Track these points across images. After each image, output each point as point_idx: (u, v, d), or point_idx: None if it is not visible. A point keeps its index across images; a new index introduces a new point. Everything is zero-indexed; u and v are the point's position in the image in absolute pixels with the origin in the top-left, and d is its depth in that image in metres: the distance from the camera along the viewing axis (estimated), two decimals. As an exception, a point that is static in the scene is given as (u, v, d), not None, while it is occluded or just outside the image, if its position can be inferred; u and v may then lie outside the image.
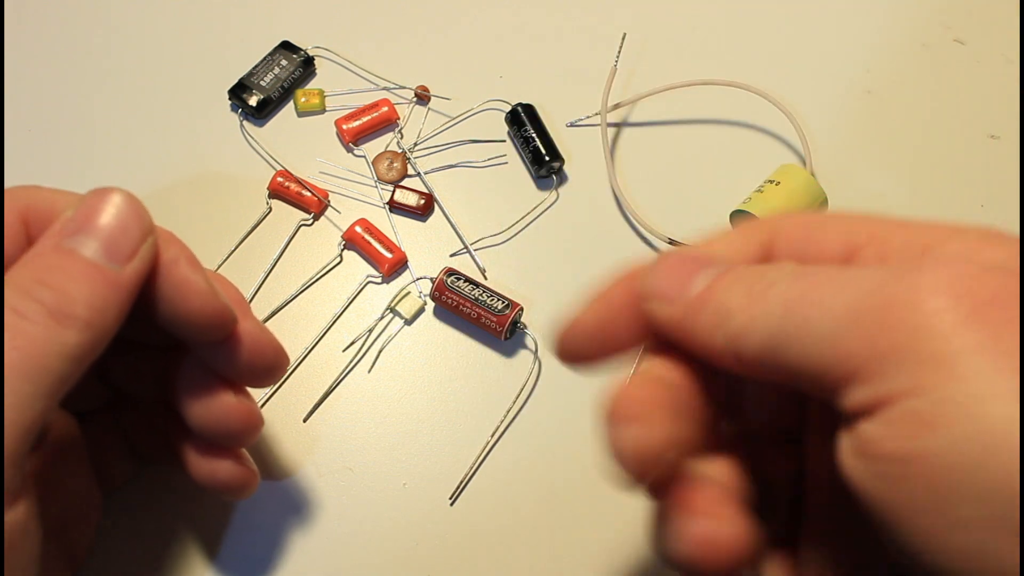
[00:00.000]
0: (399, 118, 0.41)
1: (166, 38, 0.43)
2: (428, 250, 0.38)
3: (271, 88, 0.40)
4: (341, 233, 0.38)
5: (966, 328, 0.15)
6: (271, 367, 0.27)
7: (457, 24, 0.44)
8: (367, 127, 0.40)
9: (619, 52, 0.41)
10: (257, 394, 0.34)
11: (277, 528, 0.32)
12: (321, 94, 0.41)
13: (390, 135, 0.40)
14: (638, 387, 0.19)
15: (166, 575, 0.31)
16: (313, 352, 0.36)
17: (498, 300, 0.35)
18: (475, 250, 0.38)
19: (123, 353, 0.25)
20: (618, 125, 0.41)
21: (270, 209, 0.39)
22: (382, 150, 0.40)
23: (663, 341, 0.20)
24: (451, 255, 0.38)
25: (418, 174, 0.39)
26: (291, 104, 0.41)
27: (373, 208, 0.39)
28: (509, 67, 0.42)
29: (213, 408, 0.26)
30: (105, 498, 0.30)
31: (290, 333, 0.36)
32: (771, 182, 0.37)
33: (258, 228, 0.38)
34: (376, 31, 0.43)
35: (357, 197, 0.39)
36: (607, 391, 0.20)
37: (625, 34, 0.42)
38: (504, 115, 0.40)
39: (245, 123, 0.40)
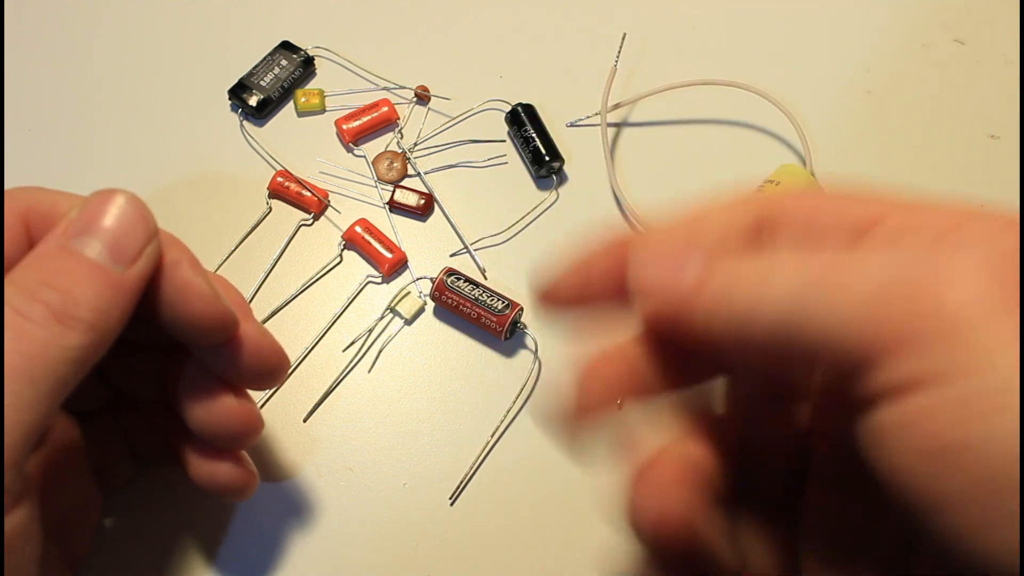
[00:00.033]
0: (399, 118, 0.41)
1: (166, 38, 0.43)
2: (428, 250, 0.38)
3: (271, 88, 0.40)
4: (341, 233, 0.38)
5: (1004, 314, 0.15)
6: (272, 370, 0.27)
7: (457, 24, 0.44)
8: (367, 127, 0.40)
9: (619, 52, 0.41)
10: (257, 395, 0.34)
11: (277, 528, 0.32)
12: (321, 94, 0.41)
13: (390, 135, 0.40)
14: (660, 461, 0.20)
15: (166, 575, 0.31)
16: (313, 352, 0.36)
17: (498, 300, 0.35)
18: (475, 250, 0.38)
19: (124, 354, 0.25)
20: (618, 125, 0.41)
21: (270, 209, 0.39)
22: (382, 150, 0.40)
23: (655, 329, 0.20)
24: (451, 255, 0.38)
25: (418, 174, 0.39)
26: (291, 104, 0.41)
27: (373, 208, 0.39)
28: (509, 67, 0.42)
29: (213, 410, 0.26)
30: (105, 499, 0.30)
31: (290, 333, 0.36)
32: (771, 182, 0.37)
33: (258, 228, 0.38)
34: (376, 31, 0.43)
35: (357, 197, 0.39)
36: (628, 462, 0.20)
37: (625, 34, 0.42)
38: (504, 115, 0.40)
39: (245, 123, 0.41)
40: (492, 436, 0.34)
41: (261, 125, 0.41)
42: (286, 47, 0.42)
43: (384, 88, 0.41)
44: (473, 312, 0.35)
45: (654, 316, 0.19)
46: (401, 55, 0.43)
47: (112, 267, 0.22)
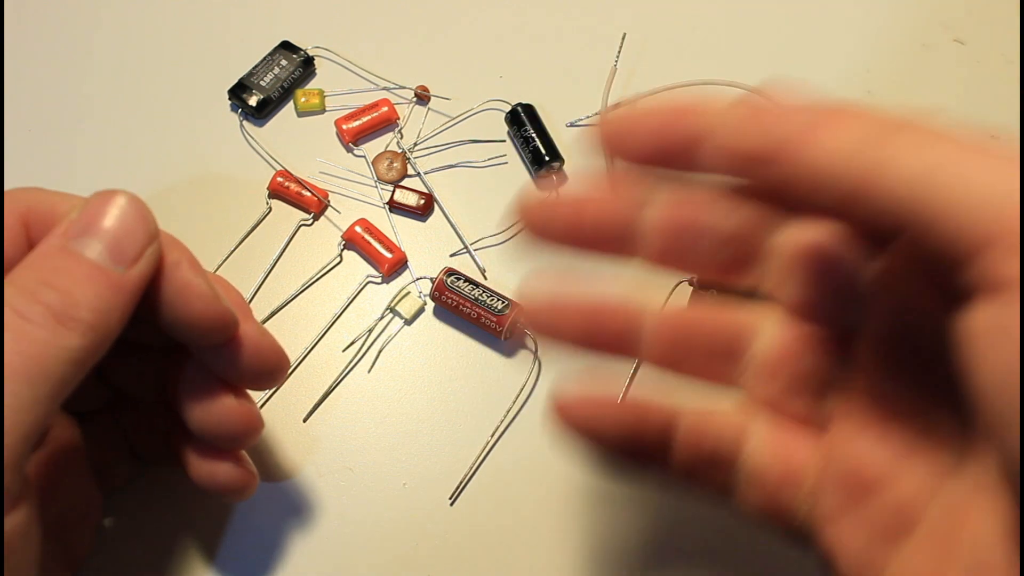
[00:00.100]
0: (399, 118, 0.41)
1: (166, 38, 0.43)
2: (428, 250, 0.38)
3: (271, 88, 0.40)
4: (341, 233, 0.38)
5: None
6: (272, 371, 0.27)
7: (457, 24, 0.44)
8: (367, 127, 0.40)
9: (619, 52, 0.41)
10: (257, 395, 0.34)
11: (277, 528, 0.32)
12: (321, 94, 0.41)
13: (390, 135, 0.40)
14: None
15: (166, 575, 0.31)
16: (313, 352, 0.36)
17: (498, 300, 0.35)
18: (475, 250, 0.38)
19: (124, 354, 0.25)
20: (618, 125, 0.41)
21: (270, 209, 0.39)
22: (382, 150, 0.40)
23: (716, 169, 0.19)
24: (451, 255, 0.38)
25: (418, 174, 0.39)
26: (291, 104, 0.41)
27: (373, 208, 0.39)
28: (509, 67, 0.42)
29: (213, 410, 0.26)
30: (105, 499, 0.30)
31: (290, 333, 0.36)
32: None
33: (258, 228, 0.38)
34: (376, 31, 0.43)
35: (357, 197, 0.39)
36: None
37: (625, 34, 0.42)
38: (504, 115, 0.40)
39: (245, 123, 0.41)
40: (492, 436, 0.34)
41: (261, 125, 0.41)
42: (286, 47, 0.42)
43: (384, 88, 0.41)
44: (473, 312, 0.35)
45: (751, 148, 0.18)
46: (401, 55, 0.43)
47: (112, 268, 0.22)
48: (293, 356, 0.35)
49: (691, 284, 0.36)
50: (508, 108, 0.40)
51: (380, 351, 0.36)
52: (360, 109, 0.40)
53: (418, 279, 0.37)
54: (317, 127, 0.41)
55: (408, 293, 0.37)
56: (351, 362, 0.35)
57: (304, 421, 0.34)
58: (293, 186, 0.38)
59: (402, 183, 0.39)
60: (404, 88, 0.41)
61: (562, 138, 0.40)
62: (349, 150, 0.40)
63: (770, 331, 0.22)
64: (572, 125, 0.41)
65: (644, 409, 0.23)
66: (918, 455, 0.19)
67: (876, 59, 0.43)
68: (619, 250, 0.22)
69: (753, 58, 0.43)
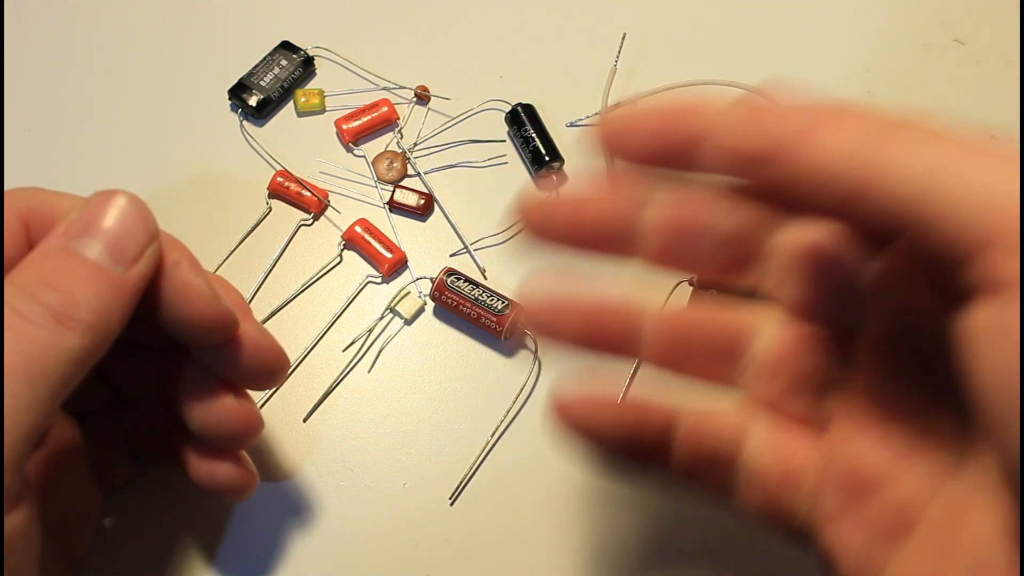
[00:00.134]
0: (399, 118, 0.41)
1: (166, 38, 0.43)
2: (428, 250, 0.38)
3: (271, 88, 0.40)
4: (341, 233, 0.38)
5: None
6: (272, 370, 0.27)
7: (457, 24, 0.44)
8: (367, 127, 0.40)
9: (619, 52, 0.41)
10: (257, 395, 0.34)
11: (277, 528, 0.32)
12: (321, 94, 0.41)
13: (390, 135, 0.40)
14: None
15: (166, 575, 0.31)
16: (313, 352, 0.36)
17: (498, 300, 0.35)
18: (475, 250, 0.38)
19: (124, 354, 0.25)
20: (618, 125, 0.41)
21: (270, 209, 0.39)
22: (382, 150, 0.40)
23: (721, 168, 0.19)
24: (451, 255, 0.38)
25: (418, 174, 0.39)
26: (291, 104, 0.41)
27: (373, 208, 0.39)
28: (509, 67, 0.42)
29: (213, 410, 0.26)
30: (105, 499, 0.30)
31: (290, 333, 0.36)
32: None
33: (258, 228, 0.38)
34: (376, 31, 0.43)
35: (357, 197, 0.39)
36: None
37: (625, 34, 0.42)
38: (504, 115, 0.40)
39: (245, 123, 0.41)
40: (492, 436, 0.34)
41: (261, 125, 0.41)
42: (286, 47, 0.42)
43: (384, 88, 0.41)
44: (473, 312, 0.35)
45: (747, 148, 0.18)
46: (401, 55, 0.43)
47: (112, 268, 0.22)
48: (293, 356, 0.35)
49: (691, 284, 0.36)
50: (508, 108, 0.40)
51: (380, 351, 0.36)
52: (360, 109, 0.40)
53: (418, 279, 0.37)
54: (317, 127, 0.41)
55: (408, 293, 0.37)
56: (351, 362, 0.35)
57: (304, 421, 0.34)
58: (293, 186, 0.38)
59: (402, 183, 0.39)
60: (404, 88, 0.41)
61: (562, 138, 0.40)
62: (349, 150, 0.40)
63: (770, 331, 0.22)
64: (572, 125, 0.41)
65: (644, 409, 0.23)
66: (918, 455, 0.19)
67: (876, 59, 0.43)
68: (619, 250, 0.22)
69: (753, 58, 0.43)
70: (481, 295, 0.35)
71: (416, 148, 0.40)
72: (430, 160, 0.40)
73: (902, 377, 0.20)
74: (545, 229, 0.22)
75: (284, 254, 0.38)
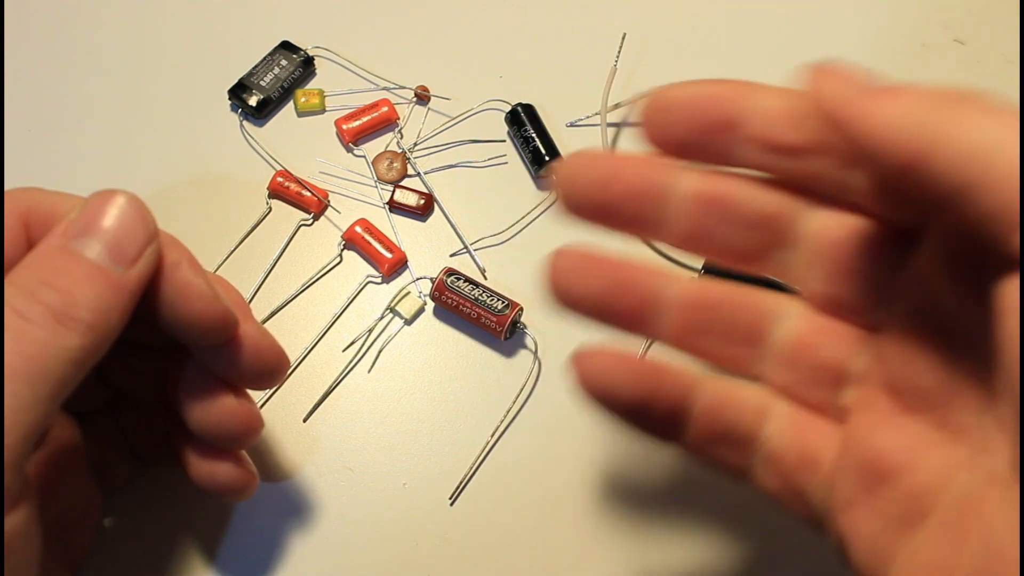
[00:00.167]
0: (399, 118, 0.41)
1: (166, 38, 0.43)
2: (428, 250, 0.38)
3: (271, 88, 0.40)
4: (341, 233, 0.38)
5: None
6: (272, 370, 0.27)
7: (457, 24, 0.44)
8: (367, 127, 0.40)
9: (619, 52, 0.41)
10: (257, 395, 0.34)
11: (277, 528, 0.32)
12: (321, 94, 0.41)
13: (390, 135, 0.40)
14: None
15: (166, 575, 0.31)
16: (313, 352, 0.36)
17: (498, 300, 0.35)
18: (475, 250, 0.38)
19: (124, 354, 0.25)
20: (618, 125, 0.41)
21: (270, 209, 0.39)
22: (382, 150, 0.40)
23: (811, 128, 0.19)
24: (451, 255, 0.38)
25: (418, 174, 0.39)
26: (291, 104, 0.41)
27: (373, 208, 0.39)
28: (509, 67, 0.42)
29: (213, 410, 0.26)
30: (105, 499, 0.30)
31: (290, 333, 0.36)
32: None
33: (258, 228, 0.38)
34: (376, 31, 0.43)
35: (357, 197, 0.39)
36: None
37: (625, 34, 0.42)
38: (504, 115, 0.40)
39: (245, 123, 0.41)
40: (492, 436, 0.34)
41: (261, 125, 0.41)
42: (286, 47, 0.42)
43: (384, 88, 0.41)
44: (473, 312, 0.35)
45: (837, 101, 0.19)
46: (401, 55, 0.43)
47: (112, 268, 0.22)
48: (293, 356, 0.35)
49: (700, 273, 0.35)
50: (508, 108, 0.40)
51: (380, 351, 0.36)
52: (360, 109, 0.40)
53: (418, 279, 0.37)
54: (317, 127, 0.41)
55: (408, 293, 0.37)
56: (351, 362, 0.35)
57: (304, 421, 0.34)
58: (293, 186, 0.38)
59: (402, 183, 0.39)
60: (404, 88, 0.41)
61: (562, 138, 0.40)
62: (349, 150, 0.40)
63: (791, 320, 0.22)
64: (572, 125, 0.41)
65: (662, 374, 0.23)
66: (934, 446, 0.20)
67: (876, 59, 0.43)
68: (645, 225, 0.22)
69: (753, 58, 0.43)
70: (481, 295, 0.35)
71: (416, 148, 0.40)
72: (430, 160, 0.40)
73: (922, 370, 0.20)
74: (577, 189, 0.22)
75: (284, 254, 0.38)
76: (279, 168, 0.39)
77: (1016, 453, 0.16)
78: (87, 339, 0.21)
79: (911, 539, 0.19)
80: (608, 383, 0.22)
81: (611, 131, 0.41)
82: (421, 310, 0.37)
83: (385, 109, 0.40)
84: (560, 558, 0.32)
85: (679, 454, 0.23)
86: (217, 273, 0.37)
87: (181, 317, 0.24)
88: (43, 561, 0.23)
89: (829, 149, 0.20)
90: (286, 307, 0.37)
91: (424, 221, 0.39)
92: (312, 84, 0.42)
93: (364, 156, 0.40)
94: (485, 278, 0.37)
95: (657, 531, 0.32)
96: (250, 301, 0.37)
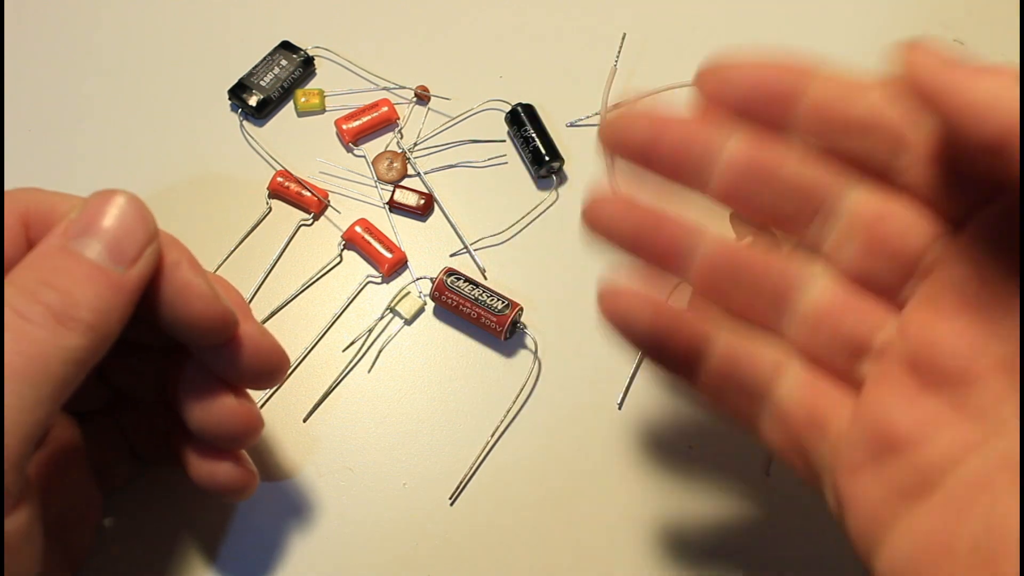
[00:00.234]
0: (399, 118, 0.41)
1: (166, 38, 0.43)
2: (428, 250, 0.38)
3: (271, 88, 0.40)
4: (341, 233, 0.38)
5: None
6: (272, 370, 0.27)
7: (457, 24, 0.44)
8: (367, 127, 0.40)
9: (619, 52, 0.41)
10: (257, 394, 0.34)
11: (277, 528, 0.32)
12: (321, 94, 0.41)
13: (390, 135, 0.40)
14: None
15: (166, 575, 0.31)
16: (313, 352, 0.36)
17: (498, 300, 0.35)
18: (475, 250, 0.38)
19: (124, 354, 0.25)
20: (618, 125, 0.41)
21: (270, 209, 0.39)
22: (382, 150, 0.40)
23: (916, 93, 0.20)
24: (451, 255, 0.38)
25: (418, 174, 0.39)
26: (291, 104, 0.41)
27: (373, 208, 0.39)
28: (509, 67, 0.42)
29: (213, 410, 0.26)
30: (105, 499, 0.30)
31: (290, 333, 0.36)
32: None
33: (258, 228, 0.38)
34: (376, 31, 0.43)
35: (357, 197, 0.39)
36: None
37: (625, 34, 0.42)
38: (504, 115, 0.40)
39: (245, 123, 0.41)
40: (492, 436, 0.34)
41: (261, 125, 0.41)
42: (286, 47, 0.42)
43: (384, 88, 0.41)
44: (473, 312, 0.35)
45: (932, 70, 0.19)
46: (401, 55, 0.43)
47: (112, 268, 0.22)
48: (293, 356, 0.35)
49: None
50: (508, 108, 0.40)
51: (380, 351, 0.36)
52: (360, 109, 0.40)
53: (418, 279, 0.37)
54: (317, 127, 0.41)
55: (408, 293, 0.37)
56: (351, 362, 0.35)
57: (304, 421, 0.34)
58: (293, 186, 0.38)
59: (402, 183, 0.39)
60: (404, 88, 0.41)
61: (562, 138, 0.40)
62: (349, 150, 0.40)
63: (819, 287, 0.23)
64: (572, 125, 0.41)
65: (680, 318, 0.24)
66: (948, 425, 0.20)
67: (876, 59, 0.43)
68: (689, 174, 0.23)
69: (753, 58, 0.43)
70: (481, 295, 0.35)
71: (416, 148, 0.40)
72: (430, 160, 0.40)
73: (949, 352, 0.20)
74: (625, 136, 0.23)
75: (284, 254, 0.38)
76: (279, 168, 0.39)
77: None
78: (87, 339, 0.21)
79: (913, 510, 0.20)
80: (630, 320, 0.24)
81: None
82: (421, 310, 0.37)
83: (385, 109, 0.40)
84: (560, 558, 0.32)
85: (693, 396, 0.24)
86: (217, 273, 0.37)
87: (181, 317, 0.24)
88: (44, 561, 0.23)
89: (883, 128, 0.21)
90: (286, 307, 0.37)
91: (424, 221, 0.39)
92: (312, 84, 0.42)
93: (364, 156, 0.40)
94: (485, 278, 0.37)
95: (657, 531, 0.32)
96: (250, 301, 0.37)
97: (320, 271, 0.37)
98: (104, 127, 0.40)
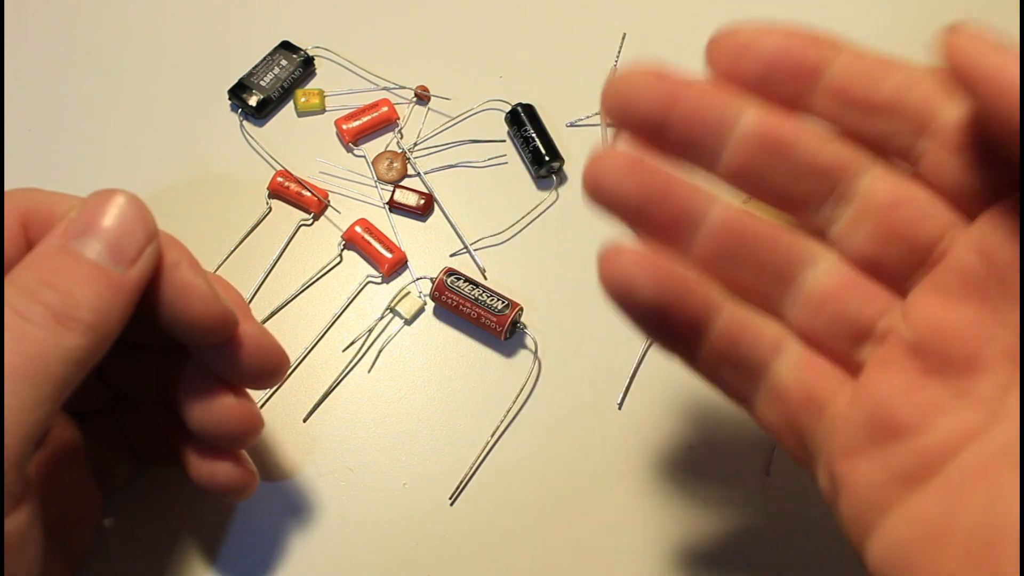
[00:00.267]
0: (399, 118, 0.41)
1: (166, 38, 0.43)
2: (428, 250, 0.38)
3: (271, 88, 0.40)
4: (341, 233, 0.38)
5: None
6: (272, 370, 0.27)
7: (457, 24, 0.44)
8: (367, 127, 0.40)
9: (619, 52, 0.41)
10: (257, 394, 0.34)
11: (277, 528, 0.32)
12: (321, 94, 0.41)
13: (390, 135, 0.40)
14: None
15: (166, 575, 0.31)
16: (313, 352, 0.36)
17: (498, 300, 0.35)
18: (475, 250, 0.38)
19: (124, 355, 0.25)
20: (618, 125, 0.41)
21: (270, 209, 0.39)
22: (382, 150, 0.40)
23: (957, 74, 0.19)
24: (451, 255, 0.38)
25: (418, 174, 0.39)
26: (291, 104, 0.41)
27: (373, 208, 0.39)
28: (509, 67, 0.42)
29: (213, 410, 0.26)
30: (105, 499, 0.30)
31: (290, 333, 0.36)
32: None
33: (258, 228, 0.38)
34: (376, 31, 0.43)
35: (357, 197, 0.39)
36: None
37: (625, 34, 0.42)
38: (504, 115, 0.40)
39: (245, 123, 0.41)
40: (492, 436, 0.34)
41: (261, 125, 0.41)
42: (286, 47, 0.42)
43: (384, 88, 0.41)
44: (473, 312, 0.35)
45: (960, 61, 0.19)
46: (401, 55, 0.43)
47: (112, 268, 0.22)
48: (293, 356, 0.35)
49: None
50: (508, 108, 0.40)
51: (380, 351, 0.36)
52: (360, 109, 0.40)
53: (418, 279, 0.37)
54: (317, 127, 0.41)
55: (408, 293, 0.37)
56: (351, 362, 0.35)
57: (304, 421, 0.34)
58: (293, 186, 0.38)
59: (402, 183, 0.39)
60: (404, 88, 0.41)
61: (562, 138, 0.40)
62: (349, 150, 0.40)
63: (824, 269, 0.22)
64: (572, 125, 0.41)
65: (689, 284, 0.22)
66: (951, 412, 0.20)
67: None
68: (700, 152, 0.21)
69: (753, 58, 0.43)
70: (481, 295, 0.35)
71: (416, 148, 0.40)
72: (430, 160, 0.40)
73: (956, 339, 0.20)
74: (633, 104, 0.21)
75: (284, 254, 0.38)
76: (279, 168, 0.39)
77: None
78: (87, 339, 0.21)
79: (911, 495, 0.20)
80: (632, 283, 0.21)
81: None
82: (421, 310, 0.37)
83: (385, 109, 0.40)
84: (560, 558, 0.32)
85: (687, 370, 0.23)
86: (217, 273, 0.37)
87: (181, 317, 0.24)
88: (44, 561, 0.23)
89: (907, 111, 0.20)
90: (286, 307, 0.37)
91: (424, 221, 0.39)
92: (312, 84, 0.42)
93: (364, 156, 0.40)
94: (485, 278, 0.37)
95: (657, 531, 0.32)
96: (250, 301, 0.37)
97: (320, 271, 0.37)
98: (104, 127, 0.40)
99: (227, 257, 0.37)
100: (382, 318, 0.36)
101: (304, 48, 0.42)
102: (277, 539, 0.32)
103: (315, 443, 0.34)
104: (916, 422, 0.20)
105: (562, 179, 0.40)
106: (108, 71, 0.42)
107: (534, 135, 0.39)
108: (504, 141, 0.40)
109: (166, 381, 0.28)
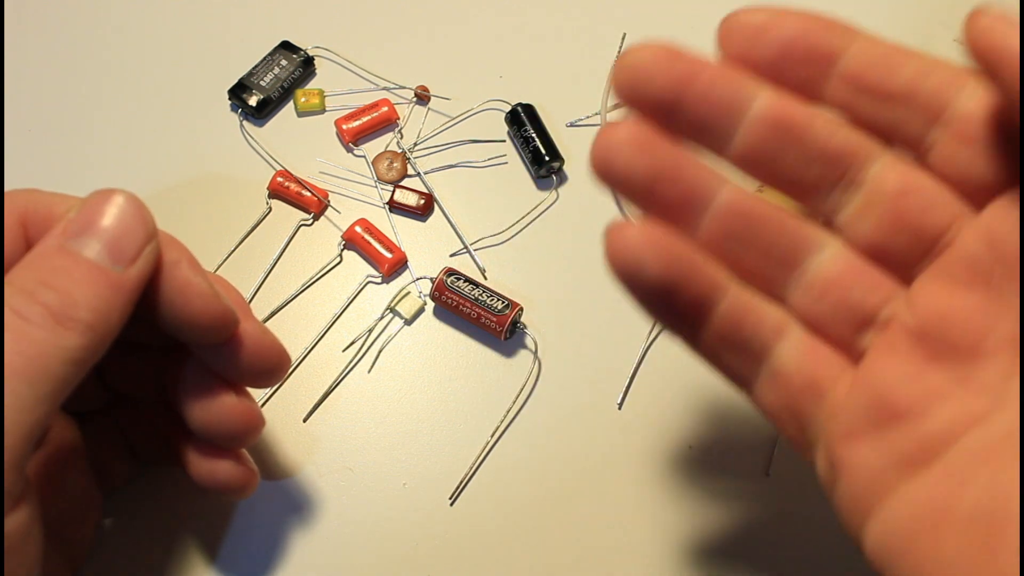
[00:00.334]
0: (399, 118, 0.41)
1: (166, 38, 0.43)
2: (428, 250, 0.38)
3: (271, 88, 0.40)
4: (341, 233, 0.38)
5: None
6: (272, 368, 0.27)
7: (457, 24, 0.44)
8: (367, 127, 0.40)
9: (619, 52, 0.41)
10: (257, 394, 0.34)
11: (277, 528, 0.32)
12: (321, 94, 0.41)
13: (390, 135, 0.40)
14: None
15: (166, 575, 0.31)
16: (313, 352, 0.36)
17: (498, 300, 0.35)
18: (475, 250, 0.38)
19: (123, 354, 0.25)
20: (618, 125, 0.41)
21: (270, 209, 0.39)
22: (382, 150, 0.40)
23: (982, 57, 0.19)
24: (451, 255, 0.38)
25: (418, 174, 0.39)
26: (291, 104, 0.41)
27: (373, 208, 0.39)
28: (509, 67, 0.42)
29: (213, 409, 0.26)
30: (105, 498, 0.30)
31: (290, 333, 0.36)
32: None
33: (258, 228, 0.38)
34: (376, 31, 0.43)
35: (357, 197, 0.39)
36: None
37: (625, 34, 0.42)
38: (504, 115, 0.40)
39: (245, 123, 0.41)
40: (492, 436, 0.34)
41: (261, 125, 0.41)
42: (286, 47, 0.42)
43: (384, 88, 0.41)
44: (473, 312, 0.35)
45: (984, 43, 0.18)
46: (401, 55, 0.43)
47: (111, 267, 0.22)
48: (293, 356, 0.35)
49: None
50: (508, 108, 0.40)
51: (380, 351, 0.36)
52: (360, 109, 0.40)
53: (418, 279, 0.37)
54: (317, 127, 0.41)
55: (408, 293, 0.37)
56: (351, 362, 0.35)
57: (304, 421, 0.34)
58: (293, 186, 0.38)
59: (402, 183, 0.39)
60: (404, 88, 0.41)
61: (562, 138, 0.40)
62: (349, 150, 0.40)
63: (830, 255, 0.22)
64: (572, 125, 0.41)
65: (695, 263, 0.21)
66: (953, 398, 0.20)
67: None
68: (711, 135, 0.21)
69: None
70: (481, 295, 0.35)
71: (416, 148, 0.40)
72: (430, 160, 0.40)
73: (960, 327, 0.20)
74: (646, 84, 0.20)
75: (284, 254, 0.38)
76: (279, 168, 0.39)
77: None
78: (86, 339, 0.21)
79: (912, 480, 0.20)
80: (638, 260, 0.21)
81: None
82: (421, 310, 0.37)
83: (385, 109, 0.40)
84: (560, 558, 0.32)
85: (689, 351, 0.23)
86: (217, 273, 0.37)
87: (181, 316, 0.24)
88: (44, 561, 0.23)
89: (922, 99, 0.20)
90: (286, 307, 0.37)
91: (424, 221, 0.39)
92: (312, 84, 0.42)
93: (364, 156, 0.40)
94: (485, 278, 0.37)
95: (657, 531, 0.32)
96: (250, 301, 0.37)
97: (320, 271, 0.37)
98: (104, 127, 0.41)
99: (227, 257, 0.37)
100: (382, 318, 0.36)
101: (304, 48, 0.42)
102: (277, 539, 0.32)
103: (315, 443, 0.34)
104: (918, 407, 0.20)
105: (562, 179, 0.40)
106: (108, 71, 0.42)
107: (534, 135, 0.39)
108: (504, 141, 0.40)
109: (166, 381, 0.28)
